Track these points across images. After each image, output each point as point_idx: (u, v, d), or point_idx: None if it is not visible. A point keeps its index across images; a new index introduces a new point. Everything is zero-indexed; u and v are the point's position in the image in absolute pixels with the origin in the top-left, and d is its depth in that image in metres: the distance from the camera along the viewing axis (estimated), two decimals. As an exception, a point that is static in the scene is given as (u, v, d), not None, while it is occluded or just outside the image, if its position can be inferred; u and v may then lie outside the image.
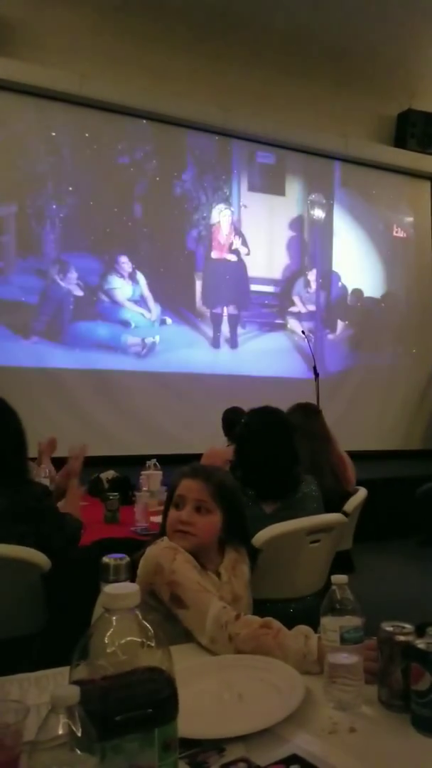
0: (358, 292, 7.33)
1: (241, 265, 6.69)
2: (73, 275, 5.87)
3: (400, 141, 7.35)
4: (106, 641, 0.74)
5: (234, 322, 6.62)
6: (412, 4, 6.02)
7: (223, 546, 1.54)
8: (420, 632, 1.01)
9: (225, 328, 6.58)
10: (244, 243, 6.70)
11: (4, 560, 1.78)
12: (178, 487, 1.52)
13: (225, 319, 6.58)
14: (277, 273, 6.89)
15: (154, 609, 1.39)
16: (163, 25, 5.99)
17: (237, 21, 6.10)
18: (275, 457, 2.14)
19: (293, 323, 6.86)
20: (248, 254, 6.71)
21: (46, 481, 2.65)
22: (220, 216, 6.59)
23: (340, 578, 1.09)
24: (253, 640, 1.20)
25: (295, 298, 6.97)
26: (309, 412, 3.05)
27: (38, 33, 5.67)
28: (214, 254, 6.57)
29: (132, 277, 6.12)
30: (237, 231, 6.68)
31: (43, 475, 2.94)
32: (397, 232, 7.58)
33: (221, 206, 6.59)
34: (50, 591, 1.82)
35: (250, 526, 2.04)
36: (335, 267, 7.21)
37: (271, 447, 2.15)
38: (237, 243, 6.67)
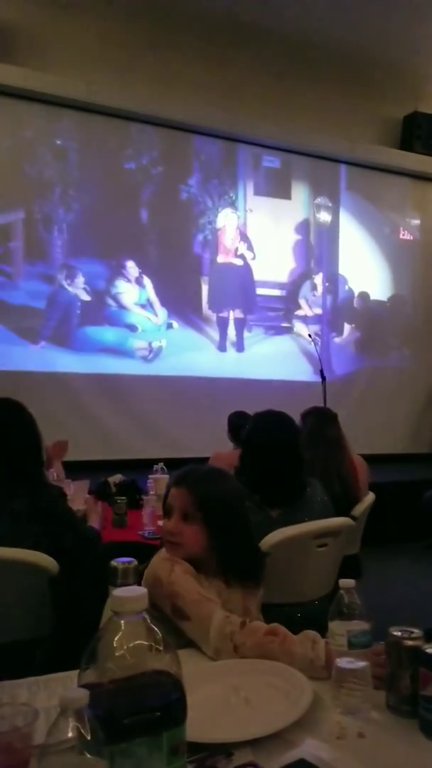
0: (364, 295, 7.32)
1: (247, 268, 6.70)
2: (80, 280, 5.89)
3: (406, 144, 7.33)
4: (115, 645, 0.75)
5: (240, 325, 6.63)
6: (416, 6, 6.03)
7: (224, 567, 1.45)
8: (428, 637, 1.01)
9: (231, 331, 6.58)
10: (250, 247, 6.70)
11: (12, 563, 1.79)
12: (168, 495, 1.50)
13: (231, 322, 6.59)
14: (283, 276, 6.89)
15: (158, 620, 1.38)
16: (168, 32, 6.02)
17: (242, 26, 6.11)
18: (280, 462, 2.13)
19: (300, 326, 6.86)
20: (254, 258, 6.71)
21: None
22: (226, 220, 6.60)
23: (347, 582, 1.09)
24: (258, 649, 1.19)
25: (302, 302, 6.97)
26: (323, 417, 3.04)
27: (46, 41, 5.71)
28: (220, 258, 6.58)
29: (138, 281, 6.14)
30: (243, 235, 6.68)
31: (52, 479, 2.95)
32: (403, 235, 7.57)
33: (227, 210, 6.60)
34: (61, 593, 1.83)
35: (256, 531, 2.05)
36: (341, 270, 7.21)
37: (275, 452, 2.14)
38: (243, 247, 6.68)
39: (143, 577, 1.40)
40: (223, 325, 6.54)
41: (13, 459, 1.92)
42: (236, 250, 6.64)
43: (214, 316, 6.50)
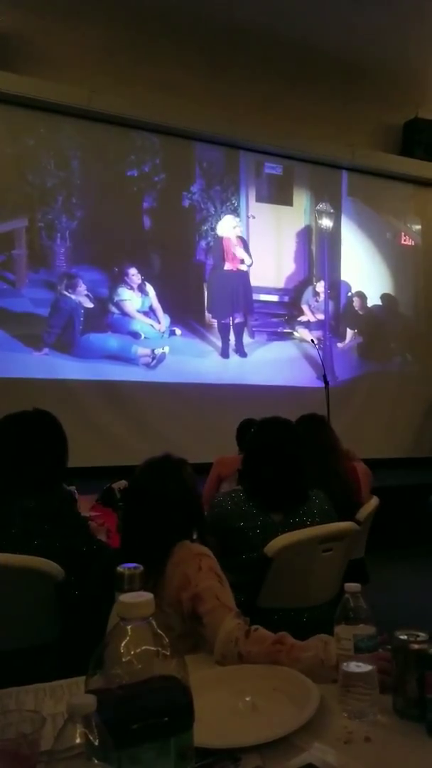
0: (366, 301, 7.32)
1: (249, 275, 6.71)
2: (82, 287, 5.91)
3: (407, 149, 7.35)
4: (122, 650, 0.75)
5: (243, 331, 6.63)
6: (417, 12, 6.05)
7: None
8: (434, 640, 1.01)
9: (234, 338, 6.59)
10: (253, 253, 6.71)
11: (18, 570, 1.79)
12: (191, 472, 1.72)
13: (234, 329, 6.59)
14: (285, 282, 6.90)
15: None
16: (169, 40, 6.05)
17: (243, 33, 6.14)
18: (280, 466, 2.14)
19: (302, 332, 6.86)
20: (256, 264, 6.73)
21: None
22: (228, 227, 6.62)
23: (353, 586, 1.09)
24: (265, 658, 1.19)
25: (304, 307, 6.98)
26: (315, 423, 3.03)
27: (47, 49, 5.74)
28: (222, 265, 6.59)
29: (141, 288, 6.15)
30: (245, 241, 6.70)
31: None
32: (404, 240, 7.57)
33: (229, 217, 6.62)
34: (68, 599, 1.84)
35: (259, 534, 2.06)
36: (343, 276, 7.21)
37: (276, 456, 2.16)
38: (245, 253, 6.69)
39: (170, 575, 1.41)
40: (225, 331, 6.55)
41: (29, 462, 1.97)
42: (239, 256, 6.66)
43: (216, 323, 6.51)
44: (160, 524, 1.54)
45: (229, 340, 6.55)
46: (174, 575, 1.41)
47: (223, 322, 6.53)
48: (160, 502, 1.58)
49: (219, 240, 6.56)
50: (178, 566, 1.42)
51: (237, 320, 6.61)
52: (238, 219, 6.65)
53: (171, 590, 1.40)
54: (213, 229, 6.53)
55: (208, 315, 6.47)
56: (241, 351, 6.60)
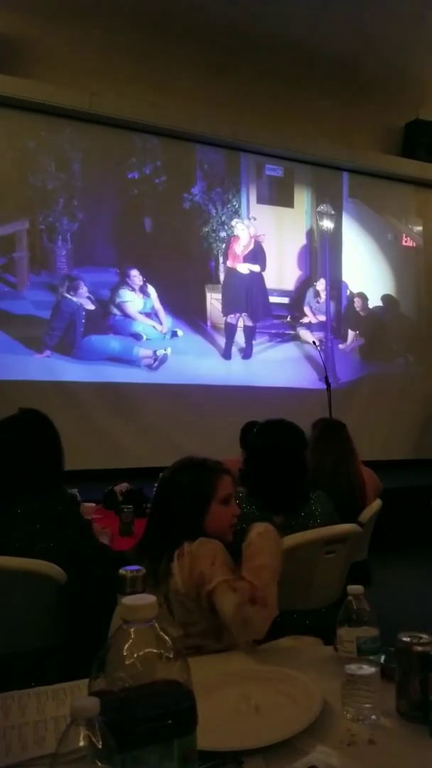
0: (368, 302, 7.32)
1: (250, 276, 6.71)
2: (84, 289, 5.91)
3: (407, 151, 7.35)
4: (125, 653, 0.75)
5: (245, 333, 6.63)
6: (418, 13, 6.06)
7: None
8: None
9: (236, 339, 6.59)
10: (254, 255, 6.71)
11: (21, 574, 1.79)
12: (219, 484, 1.61)
13: (236, 330, 6.59)
14: (287, 284, 6.91)
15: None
16: (170, 41, 6.06)
17: (243, 35, 6.15)
18: (281, 467, 2.14)
19: (304, 334, 6.86)
20: (258, 266, 6.73)
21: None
22: (230, 228, 6.62)
23: (356, 589, 1.09)
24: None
25: (306, 309, 6.98)
26: (333, 424, 3.06)
27: (48, 52, 5.75)
28: (223, 266, 6.59)
29: (143, 290, 6.16)
30: (246, 243, 6.70)
31: None
32: (406, 242, 7.57)
33: (230, 219, 6.63)
34: (71, 602, 1.83)
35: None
36: (345, 277, 7.21)
37: (278, 457, 2.16)
38: (246, 255, 6.69)
39: (187, 571, 1.44)
40: (228, 332, 6.55)
41: (30, 465, 1.97)
42: (240, 258, 6.66)
43: (219, 324, 6.51)
44: (193, 518, 1.57)
45: (231, 341, 6.55)
46: (193, 569, 1.44)
47: (226, 323, 6.54)
48: (199, 497, 1.62)
49: (220, 242, 6.56)
50: (196, 561, 1.45)
51: (239, 322, 6.61)
52: (240, 220, 6.66)
53: (190, 584, 1.44)
54: (214, 231, 6.53)
55: (210, 316, 6.48)
56: (242, 352, 6.60)
